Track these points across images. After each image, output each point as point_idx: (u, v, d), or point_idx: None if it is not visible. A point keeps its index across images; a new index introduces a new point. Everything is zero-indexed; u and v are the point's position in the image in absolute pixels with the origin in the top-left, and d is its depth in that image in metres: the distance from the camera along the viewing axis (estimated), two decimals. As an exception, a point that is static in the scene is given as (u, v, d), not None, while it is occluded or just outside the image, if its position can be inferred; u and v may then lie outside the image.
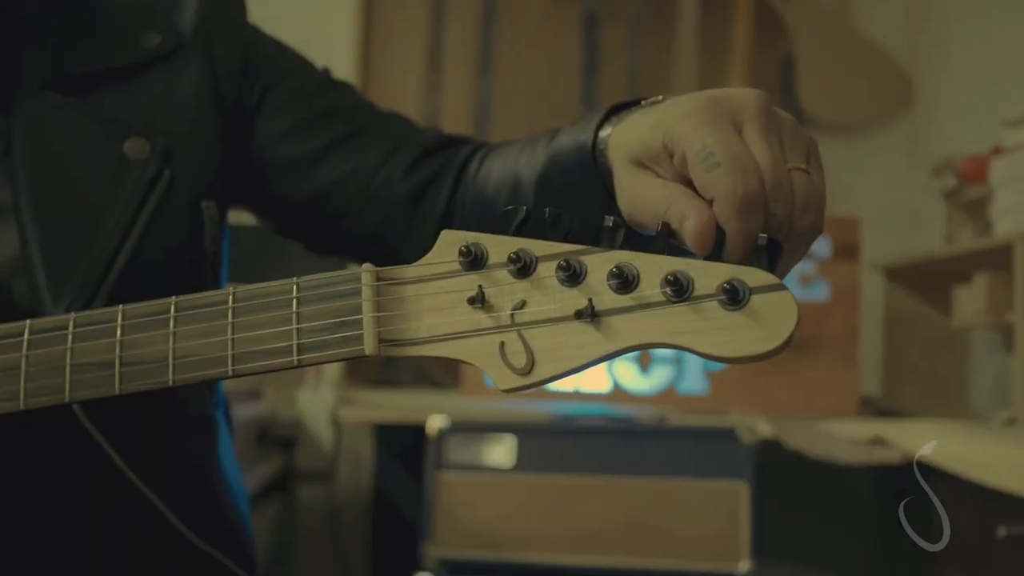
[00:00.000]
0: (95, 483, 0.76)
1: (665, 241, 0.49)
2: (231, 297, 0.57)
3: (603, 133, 0.62)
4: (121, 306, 0.60)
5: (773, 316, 0.45)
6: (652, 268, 0.48)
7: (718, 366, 2.09)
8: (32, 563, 0.77)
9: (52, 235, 0.75)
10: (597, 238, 0.50)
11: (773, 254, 0.46)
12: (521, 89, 2.68)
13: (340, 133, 0.86)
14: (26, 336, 0.62)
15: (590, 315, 0.48)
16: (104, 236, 0.76)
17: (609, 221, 0.50)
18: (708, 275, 0.47)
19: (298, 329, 0.55)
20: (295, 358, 0.55)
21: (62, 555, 0.78)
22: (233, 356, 0.56)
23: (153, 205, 0.79)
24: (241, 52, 0.87)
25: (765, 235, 0.47)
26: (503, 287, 0.51)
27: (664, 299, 0.47)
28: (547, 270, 0.50)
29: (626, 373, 2.11)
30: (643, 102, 0.61)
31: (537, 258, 0.50)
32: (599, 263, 0.49)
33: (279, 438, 2.09)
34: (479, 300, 0.51)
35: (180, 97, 0.83)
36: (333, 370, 2.30)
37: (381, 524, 2.40)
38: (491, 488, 1.79)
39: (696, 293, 0.47)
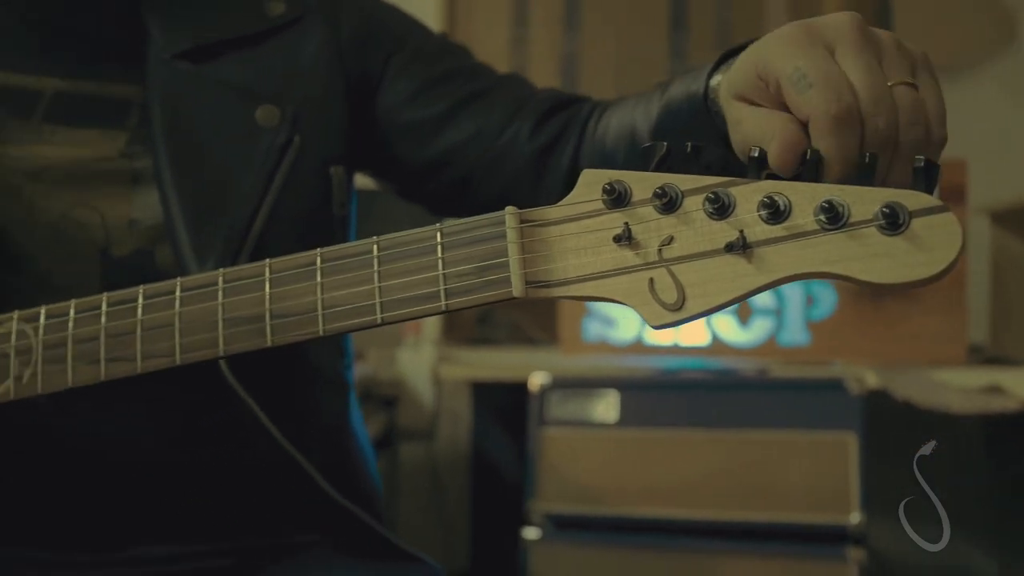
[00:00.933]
0: (242, 443, 0.80)
1: (757, 168, 0.49)
2: (375, 246, 0.59)
3: (713, 81, 0.62)
4: (268, 260, 0.62)
5: (936, 239, 0.44)
6: (804, 196, 0.47)
7: (820, 316, 2.05)
8: (182, 519, 0.81)
9: (192, 203, 0.78)
10: (739, 171, 0.50)
11: (931, 176, 0.46)
12: (608, 45, 2.64)
13: (463, 95, 0.87)
14: (178, 293, 0.64)
15: (742, 247, 0.48)
16: (241, 202, 0.79)
17: (755, 151, 0.49)
18: (864, 200, 0.46)
19: (444, 274, 0.56)
20: (443, 303, 0.56)
21: (212, 511, 0.82)
22: (381, 304, 0.58)
23: (285, 171, 0.81)
24: (363, 20, 0.89)
25: (922, 157, 0.46)
26: (649, 223, 0.51)
27: (818, 227, 0.47)
28: (694, 204, 0.50)
29: (725, 326, 2.09)
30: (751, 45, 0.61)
31: (683, 192, 0.50)
32: (747, 194, 0.49)
33: (382, 397, 2.14)
34: (625, 237, 0.51)
35: (306, 64, 0.86)
36: (431, 329, 2.33)
37: (479, 481, 2.44)
38: (595, 443, 1.80)
39: (852, 219, 0.46)
